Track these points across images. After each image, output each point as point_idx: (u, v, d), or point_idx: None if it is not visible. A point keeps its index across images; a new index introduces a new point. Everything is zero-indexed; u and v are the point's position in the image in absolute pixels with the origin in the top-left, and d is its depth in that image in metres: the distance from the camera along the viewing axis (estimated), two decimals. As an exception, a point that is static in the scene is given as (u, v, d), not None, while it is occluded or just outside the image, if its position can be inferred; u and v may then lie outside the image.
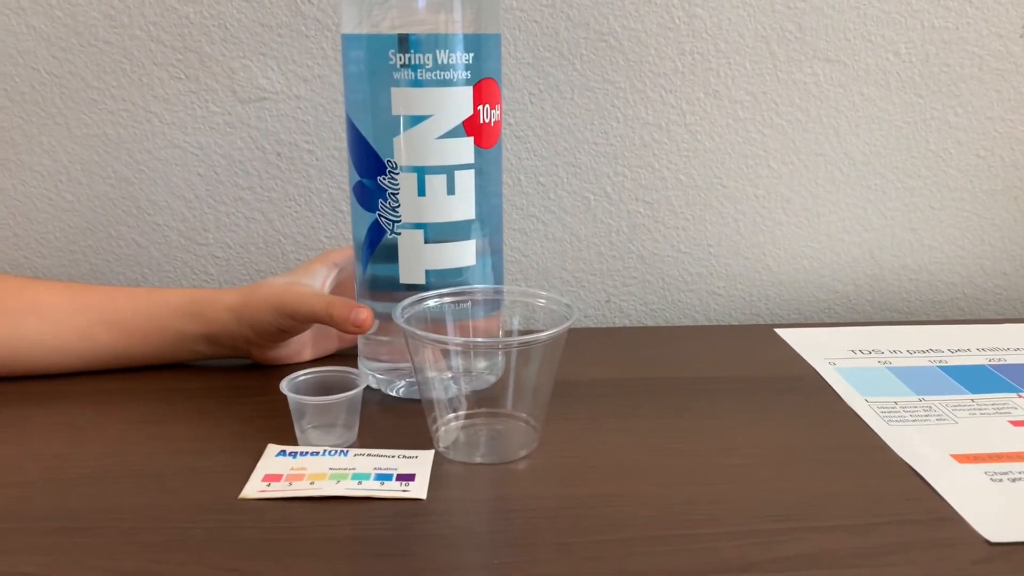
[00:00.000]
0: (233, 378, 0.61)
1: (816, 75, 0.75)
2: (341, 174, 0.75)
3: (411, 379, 0.57)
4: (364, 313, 0.55)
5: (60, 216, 0.75)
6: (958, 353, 0.66)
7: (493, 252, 0.59)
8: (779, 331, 0.72)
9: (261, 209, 0.75)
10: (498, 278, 0.59)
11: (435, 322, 0.54)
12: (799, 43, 0.74)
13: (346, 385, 0.52)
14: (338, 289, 0.63)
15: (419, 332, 0.48)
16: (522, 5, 0.72)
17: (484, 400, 0.53)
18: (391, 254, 0.56)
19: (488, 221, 0.57)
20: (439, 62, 0.52)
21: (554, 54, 0.73)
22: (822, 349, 0.67)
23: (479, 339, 0.54)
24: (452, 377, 0.52)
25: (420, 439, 0.51)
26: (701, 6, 0.72)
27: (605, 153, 0.76)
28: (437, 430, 0.51)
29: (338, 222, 0.76)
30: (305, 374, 0.53)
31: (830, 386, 0.60)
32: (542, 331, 0.48)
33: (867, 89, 0.75)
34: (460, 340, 0.52)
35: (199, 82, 0.72)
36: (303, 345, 0.64)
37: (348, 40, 0.55)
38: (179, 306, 0.60)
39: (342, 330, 0.56)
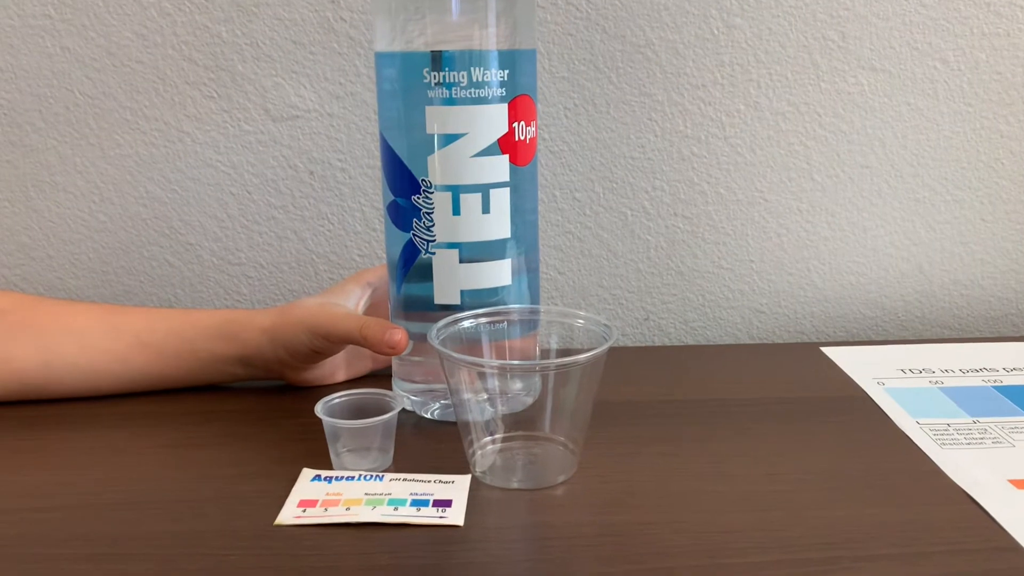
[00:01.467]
0: (267, 401, 0.62)
1: (860, 85, 0.74)
2: (374, 192, 0.76)
3: (446, 401, 0.58)
4: (398, 334, 0.56)
5: (93, 236, 0.76)
6: (1014, 372, 0.65)
7: (529, 271, 0.59)
8: (825, 350, 0.71)
9: (294, 228, 0.77)
10: (534, 297, 0.60)
11: (470, 343, 0.54)
12: (842, 52, 0.74)
13: (381, 408, 0.52)
14: (372, 309, 0.63)
15: (454, 354, 0.48)
16: (556, 18, 0.72)
17: (521, 423, 0.53)
18: (426, 274, 0.56)
19: (524, 239, 0.58)
20: (473, 79, 0.53)
21: (589, 67, 0.73)
22: (870, 368, 0.67)
23: (516, 361, 0.54)
24: (488, 399, 0.52)
25: (456, 463, 0.52)
26: (740, 16, 0.72)
27: (643, 167, 0.76)
28: (473, 454, 0.52)
29: (371, 241, 0.77)
30: (339, 397, 0.53)
31: (879, 407, 0.60)
32: (580, 352, 0.48)
33: (914, 99, 0.75)
34: (496, 363, 0.52)
35: (231, 101, 0.73)
36: (337, 367, 0.64)
37: (381, 58, 0.56)
38: (213, 328, 0.61)
39: (376, 351, 0.56)
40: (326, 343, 0.59)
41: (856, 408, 0.60)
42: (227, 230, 0.77)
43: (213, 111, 0.74)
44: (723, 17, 0.73)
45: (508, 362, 0.54)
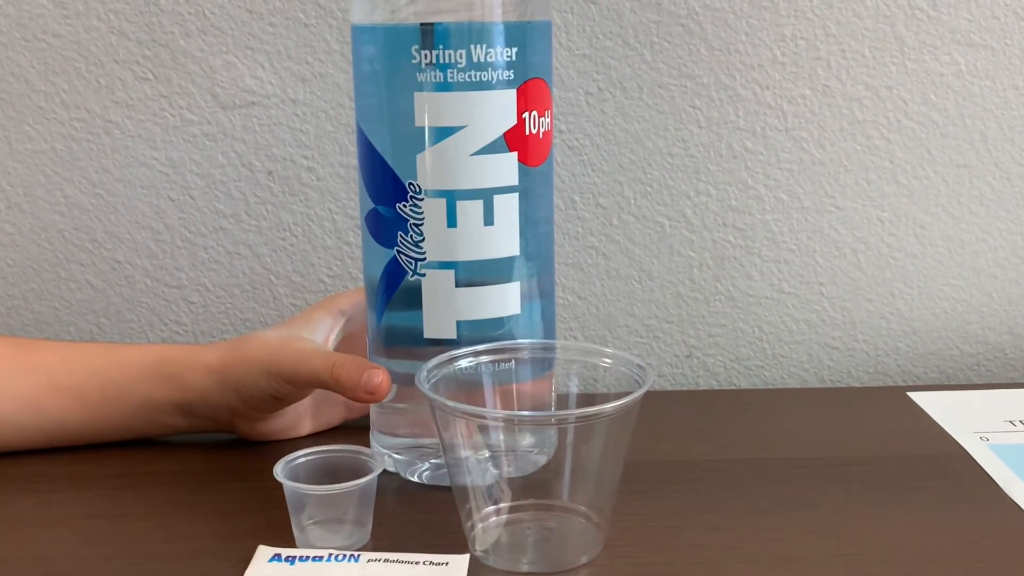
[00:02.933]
0: (214, 459, 0.62)
1: (956, 64, 0.75)
2: (348, 197, 0.76)
3: (438, 460, 0.58)
4: (379, 376, 0.56)
5: (-2, 252, 0.77)
6: None
7: (542, 295, 0.59)
8: (913, 395, 0.72)
9: (247, 241, 0.77)
10: (548, 328, 0.60)
11: (469, 387, 0.54)
12: (933, 23, 0.74)
13: (357, 469, 0.52)
14: (345, 343, 0.64)
15: (448, 402, 0.49)
16: (576, -19, 0.73)
17: (532, 488, 0.53)
18: (413, 300, 0.57)
19: (536, 257, 0.58)
20: (474, 60, 0.53)
21: (617, 43, 0.74)
22: (971, 419, 0.67)
23: (526, 412, 0.55)
24: (491, 457, 0.52)
25: (451, 539, 0.52)
26: (805, -21, 0.73)
27: (683, 166, 0.76)
28: (472, 527, 0.52)
29: (344, 258, 0.78)
30: (305, 455, 0.53)
31: (982, 468, 0.60)
32: (607, 398, 0.48)
33: (1023, 81, 0.75)
34: (501, 413, 0.52)
35: (171, 84, 0.74)
36: (301, 416, 0.64)
37: (359, 32, 0.57)
38: (146, 367, 0.61)
39: (351, 397, 0.57)
40: (288, 387, 0.59)
41: (953, 470, 0.60)
42: (164, 244, 0.77)
43: (149, 96, 0.74)
44: (784, -20, 0.74)
45: (516, 412, 0.54)
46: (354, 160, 0.74)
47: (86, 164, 0.76)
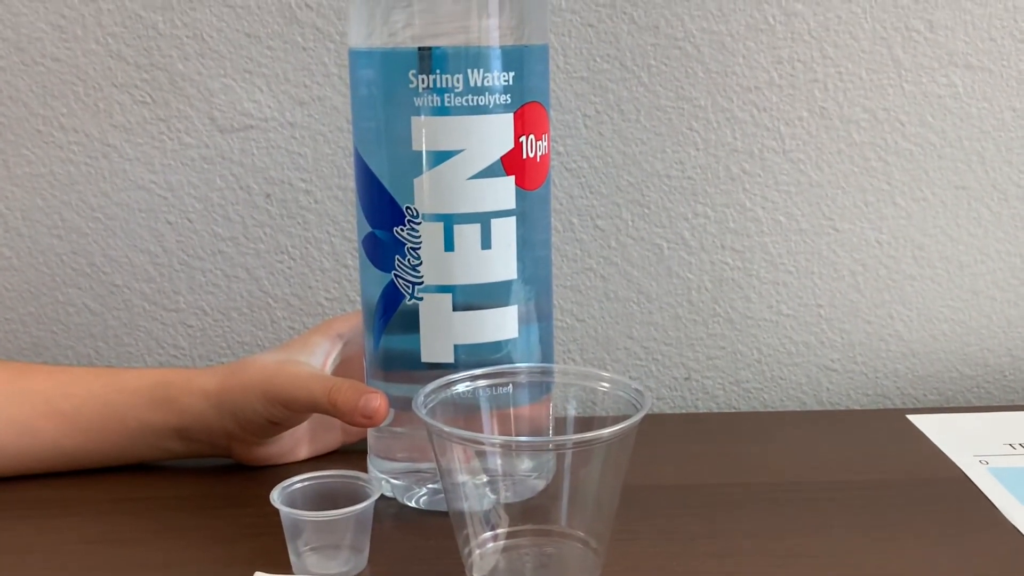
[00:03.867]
0: (210, 484, 0.62)
1: (953, 86, 0.75)
2: (346, 220, 0.76)
3: (436, 485, 0.58)
4: (376, 400, 0.56)
5: (-5, 276, 0.77)
6: None
7: (540, 319, 0.59)
8: (913, 418, 0.72)
9: (245, 265, 0.77)
10: (546, 351, 0.60)
11: (467, 412, 0.54)
12: (930, 45, 0.75)
13: (354, 495, 0.52)
14: (343, 367, 0.64)
15: (445, 427, 0.49)
16: (573, 5, 0.73)
17: (530, 513, 0.53)
18: (410, 324, 0.57)
19: (533, 280, 0.58)
20: (471, 84, 0.54)
21: (614, 65, 0.74)
22: (970, 442, 0.67)
23: (523, 437, 0.54)
24: (489, 482, 0.52)
25: (448, 565, 0.52)
26: (801, 2, 0.74)
27: (681, 188, 0.76)
28: (470, 553, 0.51)
29: (341, 280, 0.78)
30: (302, 481, 0.53)
31: (982, 492, 0.60)
32: (605, 421, 0.48)
33: (1021, 103, 0.76)
34: (499, 439, 0.52)
35: (169, 107, 0.75)
36: (298, 441, 0.64)
37: (356, 56, 0.57)
38: (143, 391, 0.61)
39: (348, 422, 0.57)
40: (285, 411, 0.59)
41: (952, 494, 0.60)
42: (162, 268, 0.77)
43: (147, 120, 0.75)
44: (780, 3, 0.74)
45: (513, 438, 0.54)
46: (352, 183, 0.74)
47: (84, 188, 0.76)
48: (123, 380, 0.62)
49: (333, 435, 0.66)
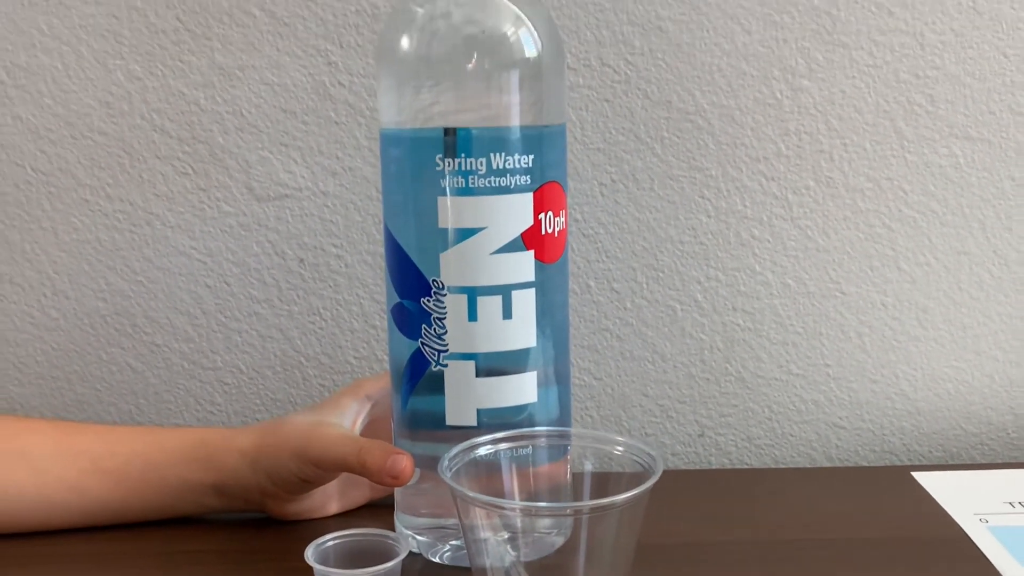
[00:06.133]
0: (247, 539, 0.64)
1: (954, 156, 0.77)
2: (374, 283, 0.79)
3: (459, 542, 0.59)
4: (403, 462, 0.58)
5: (42, 336, 0.80)
6: None
7: (558, 381, 0.61)
8: (918, 475, 0.73)
9: (279, 326, 0.80)
10: (564, 411, 0.62)
11: (489, 471, 0.56)
12: (931, 118, 0.77)
13: (383, 553, 0.54)
14: (371, 427, 0.66)
15: (469, 492, 0.51)
16: (590, 82, 0.76)
17: (549, 569, 0.55)
18: (436, 387, 0.59)
19: (551, 346, 0.60)
20: (493, 167, 0.56)
21: (629, 137, 0.77)
22: (972, 500, 0.68)
23: (542, 503, 0.57)
24: (509, 539, 0.54)
25: (471, 619, 0.53)
26: (807, 77, 0.76)
27: (694, 253, 0.79)
28: (492, 609, 0.53)
29: (370, 340, 0.80)
30: (334, 539, 0.55)
31: (981, 552, 0.61)
32: (620, 480, 0.51)
33: (1019, 172, 0.77)
34: (519, 504, 0.54)
35: (209, 178, 0.77)
36: (328, 497, 0.66)
37: (387, 138, 0.60)
38: (184, 450, 0.64)
39: (377, 482, 0.59)
40: (317, 471, 0.61)
41: (952, 553, 0.61)
42: (201, 329, 0.80)
43: (188, 190, 0.78)
44: (787, 79, 0.76)
45: (533, 504, 0.56)
46: (380, 248, 0.77)
47: (128, 253, 0.79)
48: (164, 439, 0.65)
49: (361, 491, 0.68)
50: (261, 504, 0.65)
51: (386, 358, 0.77)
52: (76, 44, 0.76)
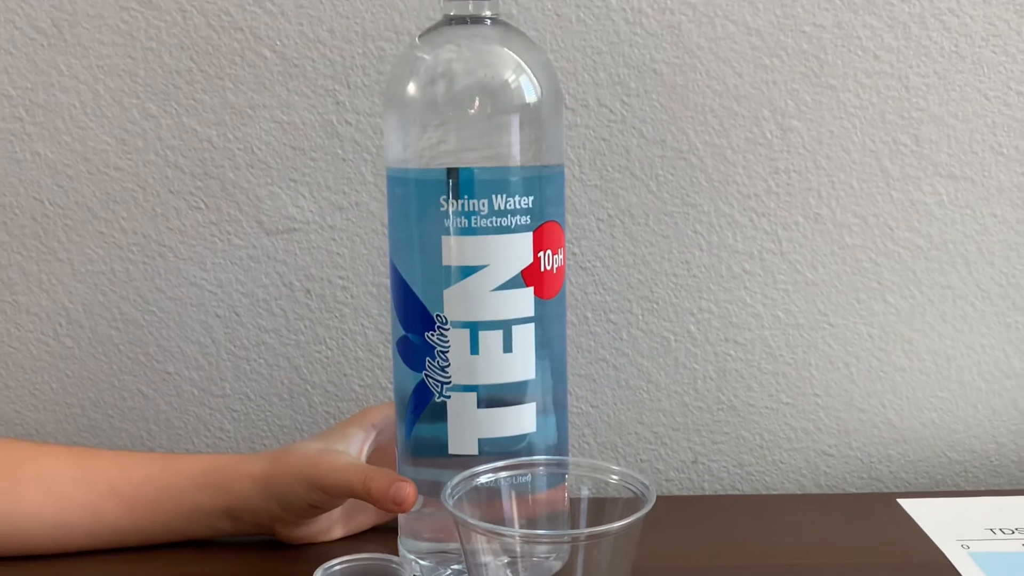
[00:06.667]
0: (258, 562, 0.66)
1: (938, 194, 0.80)
2: (379, 314, 0.81)
3: (460, 566, 0.61)
4: (406, 489, 0.60)
5: (58, 364, 0.82)
6: (1123, 533, 0.68)
7: (557, 410, 0.64)
8: (904, 502, 0.75)
9: (286, 355, 0.82)
10: (562, 439, 0.64)
11: (490, 498, 0.58)
12: (916, 157, 0.79)
13: (388, 577, 0.56)
14: (377, 454, 0.68)
15: (470, 520, 0.53)
16: (587, 121, 0.78)
17: (547, 594, 0.57)
18: (439, 417, 0.61)
19: (550, 378, 0.62)
20: (495, 207, 0.59)
21: (625, 175, 0.79)
22: (955, 527, 0.70)
23: (541, 531, 0.59)
24: (509, 563, 0.56)
25: (472, 641, 0.55)
26: (796, 118, 0.78)
27: (687, 286, 0.81)
28: (492, 630, 0.55)
29: (374, 368, 0.82)
30: (341, 563, 0.57)
31: (962, 577, 0.63)
32: (616, 506, 0.53)
33: (1000, 209, 0.80)
34: (519, 532, 0.56)
35: (221, 212, 0.80)
36: (333, 522, 0.69)
37: (393, 179, 0.62)
38: (196, 475, 0.66)
39: (380, 507, 0.61)
40: (325, 496, 0.63)
41: (935, 578, 0.63)
42: (211, 357, 0.82)
43: (200, 223, 0.80)
44: (777, 119, 0.79)
45: (533, 532, 0.58)
46: (385, 280, 0.79)
47: (141, 284, 0.81)
48: (177, 464, 0.67)
49: (366, 516, 0.70)
50: (270, 528, 0.67)
51: (390, 386, 0.80)
52: (93, 83, 0.78)
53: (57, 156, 0.79)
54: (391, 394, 0.79)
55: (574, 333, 0.81)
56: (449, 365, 0.60)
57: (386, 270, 0.80)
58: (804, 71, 0.78)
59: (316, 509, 0.65)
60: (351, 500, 0.67)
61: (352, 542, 0.69)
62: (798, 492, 0.83)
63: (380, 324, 0.81)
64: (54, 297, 0.81)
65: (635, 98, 0.78)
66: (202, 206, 0.80)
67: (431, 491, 0.61)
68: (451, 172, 0.59)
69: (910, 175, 0.79)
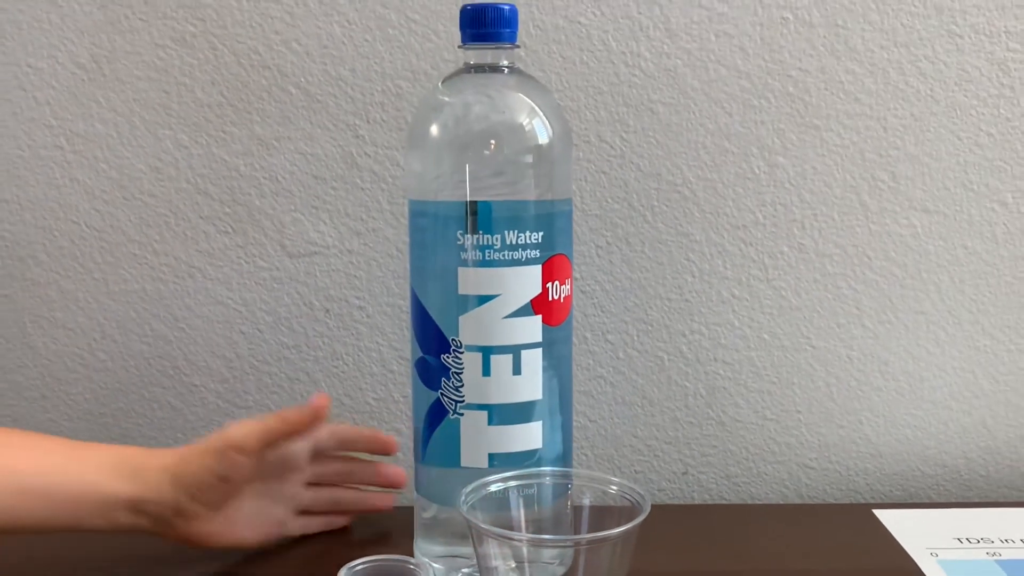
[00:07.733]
0: (278, 564, 0.70)
1: (913, 227, 0.84)
2: (393, 332, 0.86)
3: (469, 570, 0.66)
4: (314, 398, 0.65)
5: (92, 376, 0.87)
6: (1079, 543, 0.72)
7: (562, 427, 0.68)
8: (878, 513, 0.79)
9: (306, 369, 0.87)
10: (567, 452, 0.69)
11: (499, 506, 0.63)
12: (893, 193, 0.84)
13: (406, 577, 0.61)
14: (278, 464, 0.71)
15: (483, 525, 0.58)
16: (589, 155, 0.83)
17: (552, 595, 0.62)
18: (453, 433, 0.66)
19: (556, 398, 0.67)
20: (508, 242, 0.63)
21: (623, 205, 0.84)
22: (925, 536, 0.74)
23: (546, 536, 0.63)
24: (517, 567, 0.60)
25: (483, 637, 0.60)
26: (782, 155, 0.83)
27: (680, 309, 0.86)
28: (501, 627, 0.60)
29: (387, 383, 0.87)
30: (364, 564, 0.61)
31: (930, 583, 0.67)
32: (614, 514, 0.57)
33: (971, 241, 0.85)
34: (526, 536, 0.61)
35: (247, 236, 0.85)
36: (234, 523, 0.68)
37: (414, 211, 0.67)
38: (104, 462, 0.64)
39: (303, 425, 0.66)
40: (238, 456, 0.64)
41: (906, 583, 0.68)
42: (235, 371, 0.87)
43: (227, 246, 0.85)
44: (764, 156, 0.83)
45: (540, 536, 0.63)
46: (399, 301, 0.84)
47: (171, 302, 0.86)
48: (87, 453, 0.65)
49: (276, 508, 0.71)
50: (170, 525, 0.65)
51: (402, 399, 0.85)
52: (129, 115, 0.83)
53: (95, 183, 0.84)
54: (403, 407, 0.85)
55: (574, 352, 0.84)
56: (463, 385, 0.65)
57: (400, 291, 0.84)
58: (790, 112, 0.83)
59: (225, 483, 0.64)
60: (255, 502, 0.68)
61: (374, 547, 0.71)
62: (781, 502, 0.88)
63: (394, 342, 0.86)
64: (89, 314, 0.86)
65: (633, 135, 0.83)
66: (229, 230, 0.85)
67: (444, 500, 0.66)
68: (469, 207, 0.64)
69: (887, 209, 0.84)
